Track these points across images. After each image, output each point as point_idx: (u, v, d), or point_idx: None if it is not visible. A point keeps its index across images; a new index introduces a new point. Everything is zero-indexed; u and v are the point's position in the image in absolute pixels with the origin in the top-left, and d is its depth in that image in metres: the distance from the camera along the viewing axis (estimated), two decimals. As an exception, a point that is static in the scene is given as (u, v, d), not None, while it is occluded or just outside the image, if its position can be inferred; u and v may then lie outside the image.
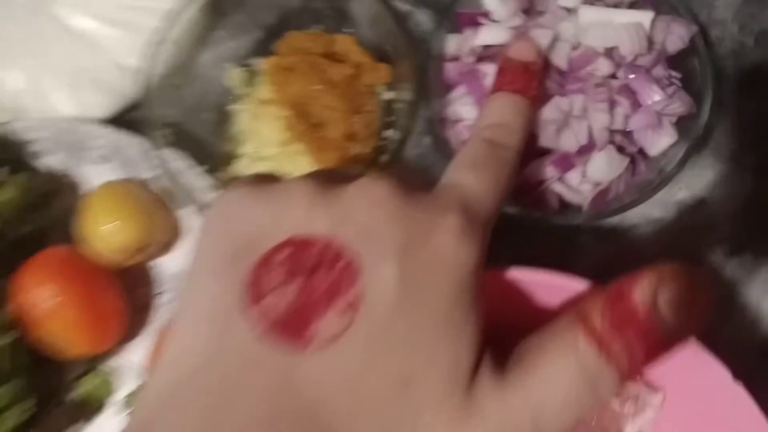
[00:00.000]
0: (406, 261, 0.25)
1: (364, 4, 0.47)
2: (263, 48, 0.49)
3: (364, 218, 0.26)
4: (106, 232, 0.44)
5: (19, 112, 0.50)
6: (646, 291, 0.26)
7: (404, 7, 0.53)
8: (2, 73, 0.50)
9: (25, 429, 0.42)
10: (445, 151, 0.43)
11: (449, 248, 0.26)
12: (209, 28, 0.48)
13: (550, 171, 0.41)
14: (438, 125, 0.44)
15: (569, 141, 0.40)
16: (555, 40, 0.41)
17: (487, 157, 0.31)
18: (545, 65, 0.38)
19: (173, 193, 0.47)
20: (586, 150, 0.40)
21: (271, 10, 0.50)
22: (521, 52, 0.36)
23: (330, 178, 0.28)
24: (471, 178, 0.30)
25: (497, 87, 0.35)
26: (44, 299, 0.41)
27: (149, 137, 0.43)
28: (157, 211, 0.47)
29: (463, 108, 0.43)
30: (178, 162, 0.45)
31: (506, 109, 0.34)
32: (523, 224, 0.45)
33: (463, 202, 0.28)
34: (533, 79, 0.36)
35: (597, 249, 0.49)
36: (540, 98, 0.36)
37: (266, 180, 0.29)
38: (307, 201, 0.26)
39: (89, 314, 0.43)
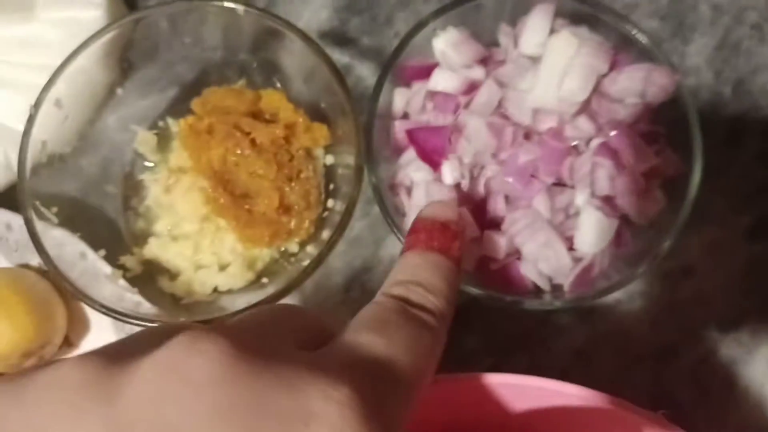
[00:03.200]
0: None
1: (297, 56, 0.40)
2: (179, 108, 0.42)
3: (168, 419, 0.16)
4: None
5: None
6: None
7: (343, 59, 0.47)
8: None
9: None
10: (395, 222, 0.36)
11: None
12: (114, 86, 0.41)
13: (521, 245, 0.34)
14: (387, 192, 0.37)
15: (543, 207, 0.34)
16: (515, 94, 0.35)
17: (401, 317, 0.23)
18: (464, 231, 0.30)
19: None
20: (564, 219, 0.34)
21: (188, 63, 0.43)
22: (437, 211, 0.29)
23: (122, 351, 0.18)
24: (375, 341, 0.21)
25: (408, 246, 0.28)
26: None
27: (28, 218, 0.35)
28: (54, 305, 0.38)
29: (416, 173, 0.36)
30: (72, 246, 0.36)
31: (422, 267, 0.26)
32: (492, 304, 0.39)
33: (364, 370, 0.20)
34: (454, 239, 0.28)
35: (578, 329, 0.43)
36: (461, 265, 0.28)
37: (21, 377, 0.18)
38: (75, 401, 0.17)
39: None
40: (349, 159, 0.38)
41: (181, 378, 0.17)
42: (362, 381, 0.19)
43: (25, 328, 0.36)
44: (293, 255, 0.40)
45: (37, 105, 0.36)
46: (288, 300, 0.39)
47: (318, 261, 0.35)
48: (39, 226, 0.35)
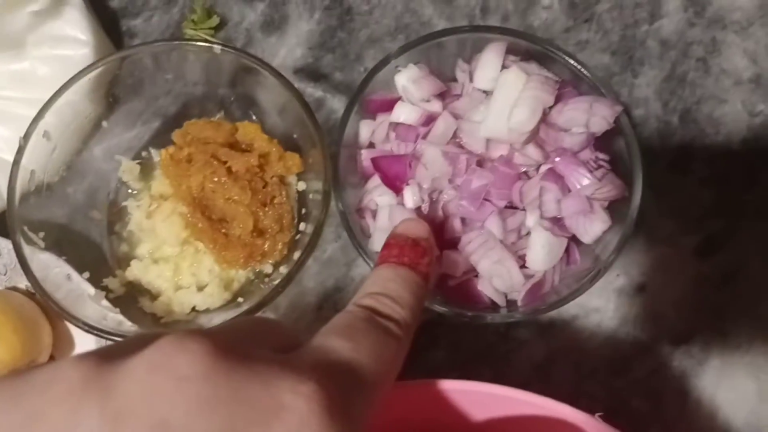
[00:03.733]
0: None
1: (271, 91, 0.43)
2: (162, 139, 0.45)
3: (158, 409, 0.18)
4: (-34, 356, 0.37)
5: None
6: None
7: (316, 93, 0.50)
8: None
9: None
10: (361, 244, 0.38)
11: None
12: (100, 118, 0.44)
13: (476, 263, 0.37)
14: (354, 216, 0.40)
15: (496, 228, 0.37)
16: (469, 125, 0.38)
17: (369, 325, 0.25)
18: (433, 248, 0.32)
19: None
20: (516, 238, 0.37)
21: (171, 97, 0.46)
22: (410, 229, 0.32)
23: (114, 353, 0.20)
24: (344, 346, 0.24)
25: (381, 260, 0.30)
26: None
27: (16, 242, 0.37)
28: (41, 325, 0.40)
29: (380, 198, 0.39)
30: (58, 268, 0.39)
31: (392, 280, 0.29)
32: (457, 320, 0.42)
33: (331, 370, 0.22)
34: (423, 255, 0.30)
35: (537, 343, 0.45)
36: (428, 280, 0.30)
37: (21, 374, 0.20)
38: (74, 395, 0.19)
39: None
40: (319, 185, 0.40)
41: (169, 373, 0.19)
42: (328, 379, 0.21)
43: (12, 346, 0.38)
44: (267, 275, 0.42)
45: (26, 137, 0.39)
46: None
47: (288, 279, 0.38)
48: (27, 250, 0.37)
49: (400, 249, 0.30)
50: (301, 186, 0.43)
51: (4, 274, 0.42)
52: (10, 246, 0.40)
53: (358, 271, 0.46)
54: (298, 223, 0.43)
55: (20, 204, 0.38)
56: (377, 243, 0.38)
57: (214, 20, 0.51)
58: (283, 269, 0.42)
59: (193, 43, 0.43)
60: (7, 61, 0.47)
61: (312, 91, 0.50)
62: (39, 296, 0.37)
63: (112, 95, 0.44)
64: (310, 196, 0.42)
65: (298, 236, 0.42)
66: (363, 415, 0.22)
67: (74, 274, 0.39)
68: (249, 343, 0.23)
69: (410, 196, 0.38)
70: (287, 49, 0.52)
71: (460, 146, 0.38)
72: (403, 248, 0.31)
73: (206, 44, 0.42)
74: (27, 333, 0.39)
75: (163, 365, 0.19)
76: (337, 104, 0.50)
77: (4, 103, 0.46)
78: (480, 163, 0.38)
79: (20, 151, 0.39)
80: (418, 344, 0.44)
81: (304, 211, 0.43)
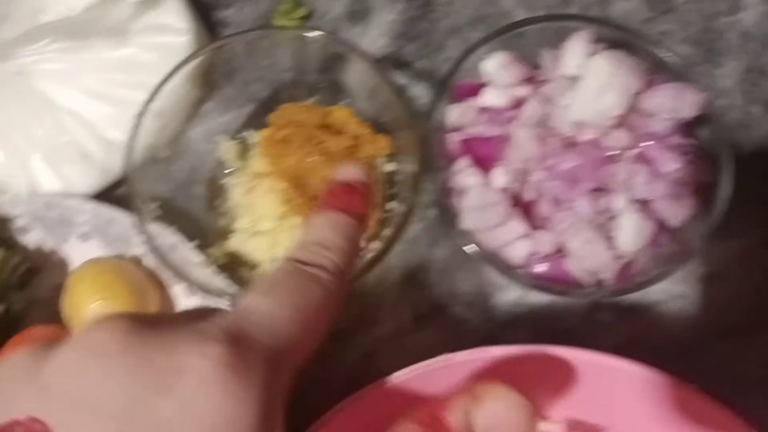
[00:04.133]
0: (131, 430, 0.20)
1: (360, 76, 0.45)
2: (256, 121, 0.48)
3: (78, 383, 0.21)
4: (89, 314, 0.41)
5: (1, 187, 0.48)
6: (460, 413, 0.25)
7: (400, 81, 0.52)
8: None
9: None
10: (452, 222, 0.40)
11: (200, 398, 0.21)
12: (199, 102, 0.46)
13: (566, 242, 0.38)
14: (443, 196, 0.41)
15: (585, 209, 0.38)
16: (557, 109, 0.40)
17: (292, 276, 0.26)
18: (372, 188, 0.33)
19: (164, 271, 0.44)
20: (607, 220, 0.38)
21: (263, 83, 0.48)
22: (347, 173, 0.32)
23: (53, 339, 0.24)
24: (261, 302, 0.25)
25: (319, 208, 0.31)
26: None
27: (135, 212, 0.40)
28: (149, 290, 0.43)
29: (468, 179, 0.41)
30: (167, 238, 0.42)
31: (324, 227, 0.29)
32: (541, 302, 0.43)
33: (239, 329, 0.23)
34: (358, 197, 0.31)
35: (618, 326, 0.46)
36: (366, 220, 0.31)
37: None
38: (15, 378, 0.22)
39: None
40: (407, 167, 0.42)
41: (87, 350, 0.22)
42: (236, 338, 0.22)
43: (128, 308, 0.41)
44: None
45: (141, 116, 0.42)
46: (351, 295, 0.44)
47: (380, 255, 0.40)
48: (146, 219, 0.40)
49: (335, 195, 0.31)
50: (389, 167, 0.45)
51: (114, 243, 0.45)
52: (122, 217, 0.44)
53: (440, 251, 0.48)
54: (387, 202, 0.45)
55: (136, 178, 0.41)
56: (466, 222, 0.40)
57: (303, 11, 0.54)
58: (373, 245, 0.43)
59: (289, 30, 0.45)
60: (112, 48, 0.50)
61: (395, 79, 0.52)
62: (158, 261, 0.40)
63: (209, 81, 0.46)
64: (398, 177, 0.44)
65: (386, 215, 0.44)
66: (277, 368, 0.23)
67: (182, 244, 0.42)
68: (170, 316, 0.25)
69: (499, 177, 0.39)
70: (371, 39, 0.54)
71: (549, 129, 0.40)
72: (336, 194, 0.31)
73: (300, 32, 0.44)
74: (139, 296, 0.42)
75: (84, 344, 0.22)
76: (419, 91, 0.51)
77: (110, 85, 0.50)
78: (569, 146, 0.39)
79: (136, 128, 0.41)
80: (498, 322, 0.46)
81: (391, 191, 0.45)
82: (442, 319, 0.46)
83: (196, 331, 0.22)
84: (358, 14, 0.54)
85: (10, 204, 0.46)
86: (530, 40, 0.43)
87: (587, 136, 0.39)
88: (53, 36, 0.48)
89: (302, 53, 0.47)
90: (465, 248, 0.39)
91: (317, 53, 0.46)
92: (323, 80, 0.48)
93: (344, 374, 0.45)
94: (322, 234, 0.29)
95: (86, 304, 0.41)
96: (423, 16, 0.54)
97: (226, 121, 0.49)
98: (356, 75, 0.46)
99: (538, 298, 0.45)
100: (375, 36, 0.54)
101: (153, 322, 0.23)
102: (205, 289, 0.39)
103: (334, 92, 0.49)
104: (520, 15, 0.53)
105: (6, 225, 0.46)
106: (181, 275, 0.39)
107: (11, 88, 0.49)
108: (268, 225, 0.44)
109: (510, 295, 0.46)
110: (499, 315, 0.46)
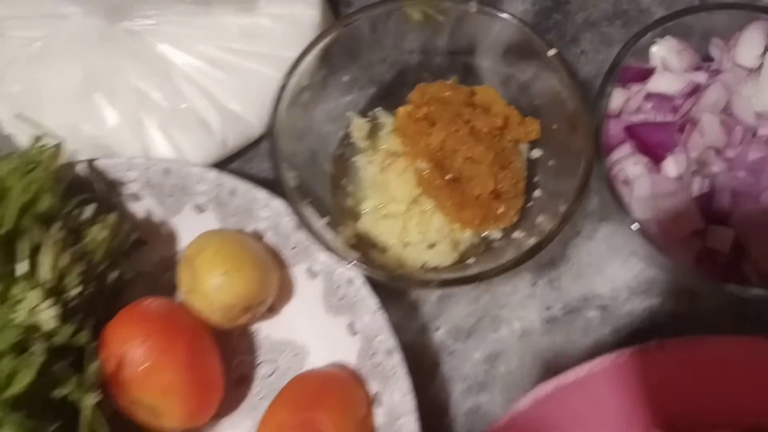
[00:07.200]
0: None
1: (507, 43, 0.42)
2: (382, 102, 0.45)
3: None
4: (211, 287, 0.38)
5: (117, 149, 0.46)
6: None
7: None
8: (104, 110, 0.46)
9: None
10: (618, 210, 0.36)
11: None
12: (324, 82, 0.44)
13: (748, 241, 0.35)
14: (607, 185, 0.38)
15: None
16: (738, 98, 0.37)
17: None
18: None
19: (285, 250, 0.41)
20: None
21: (386, 65, 0.46)
22: None
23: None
24: None
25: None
26: (138, 358, 0.34)
27: (279, 176, 0.38)
28: (271, 268, 0.40)
29: (634, 167, 0.38)
30: (305, 209, 0.39)
31: None
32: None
33: None
34: None
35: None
36: None
37: None
38: None
39: (188, 380, 0.35)
40: (560, 155, 0.39)
41: None
42: None
43: (250, 282, 0.38)
44: (493, 241, 0.42)
45: (283, 89, 0.40)
46: (481, 290, 0.41)
47: (536, 248, 0.36)
48: (286, 184, 0.38)
49: None
50: (535, 154, 0.42)
51: (234, 216, 0.42)
52: (246, 188, 0.41)
53: (574, 250, 0.44)
54: (528, 191, 0.42)
55: (279, 144, 0.39)
56: (637, 212, 0.36)
57: (429, -2, 0.52)
58: (516, 235, 0.40)
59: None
60: (238, 15, 0.48)
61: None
62: (302, 228, 0.37)
63: (332, 62, 0.44)
64: (549, 163, 0.41)
65: (529, 204, 0.41)
66: None
67: (315, 219, 0.39)
68: None
69: (674, 165, 0.36)
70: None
71: (734, 118, 0.37)
72: None
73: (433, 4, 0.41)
74: (263, 272, 0.39)
75: None
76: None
77: (231, 54, 0.48)
78: (752, 137, 0.36)
79: (279, 100, 0.39)
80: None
81: (535, 179, 0.42)
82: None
83: None
84: (487, 3, 0.52)
85: (125, 166, 0.42)
86: (697, 30, 0.41)
87: (770, 128, 0.36)
88: (175, -4, 0.46)
89: (431, 32, 0.44)
90: (632, 234, 0.35)
91: (449, 30, 0.44)
92: (451, 62, 0.46)
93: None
94: None
95: (209, 277, 0.38)
96: (557, 7, 0.52)
97: (347, 103, 0.46)
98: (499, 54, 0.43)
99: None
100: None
101: None
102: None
103: (466, 76, 0.46)
104: (659, 13, 0.51)
105: (118, 189, 0.43)
106: (323, 242, 0.36)
107: (125, 47, 0.46)
108: (398, 207, 0.41)
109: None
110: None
